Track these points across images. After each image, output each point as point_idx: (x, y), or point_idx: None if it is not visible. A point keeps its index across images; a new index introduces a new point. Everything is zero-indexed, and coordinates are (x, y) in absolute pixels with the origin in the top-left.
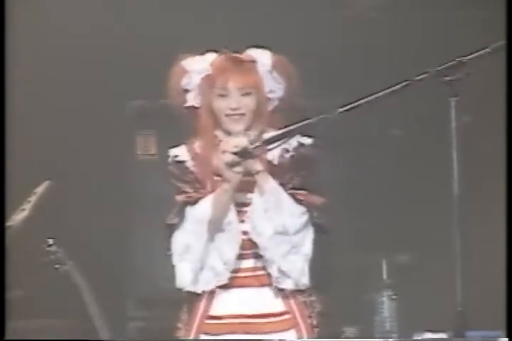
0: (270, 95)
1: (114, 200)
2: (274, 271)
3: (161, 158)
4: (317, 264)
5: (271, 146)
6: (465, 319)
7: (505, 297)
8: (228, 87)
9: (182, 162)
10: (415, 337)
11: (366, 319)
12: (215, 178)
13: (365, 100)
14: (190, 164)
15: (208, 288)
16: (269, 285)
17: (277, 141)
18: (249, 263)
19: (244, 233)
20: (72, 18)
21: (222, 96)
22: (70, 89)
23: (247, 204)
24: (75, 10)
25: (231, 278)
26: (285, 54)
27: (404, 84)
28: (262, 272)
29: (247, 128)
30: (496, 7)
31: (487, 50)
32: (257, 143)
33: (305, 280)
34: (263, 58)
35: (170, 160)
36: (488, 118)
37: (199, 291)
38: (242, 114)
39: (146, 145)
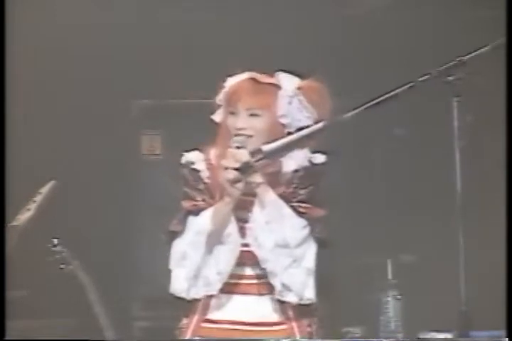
0: (283, 120)
1: (119, 200)
2: (277, 284)
3: (166, 159)
4: (321, 264)
5: (272, 158)
6: (470, 319)
7: (506, 297)
8: (237, 105)
9: (197, 170)
10: (420, 337)
11: (371, 319)
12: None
13: (370, 104)
14: (204, 174)
15: (198, 296)
16: (268, 294)
17: (279, 152)
18: (252, 270)
19: (246, 245)
20: (76, 15)
21: (232, 114)
22: (76, 88)
23: (248, 221)
24: (78, 7)
25: (234, 284)
26: (289, 55)
27: (408, 86)
28: (263, 280)
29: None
30: (498, 6)
31: (487, 48)
32: (259, 157)
33: (309, 295)
34: (288, 83)
35: (183, 163)
36: (491, 118)
37: (189, 298)
38: (249, 136)
39: (151, 145)
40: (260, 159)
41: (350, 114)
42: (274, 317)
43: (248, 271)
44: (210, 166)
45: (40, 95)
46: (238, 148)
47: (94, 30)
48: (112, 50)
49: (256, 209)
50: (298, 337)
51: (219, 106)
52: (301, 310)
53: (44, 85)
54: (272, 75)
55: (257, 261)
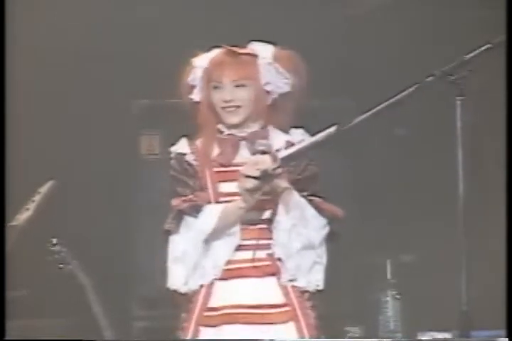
0: (268, 88)
1: (118, 200)
2: (300, 281)
3: (165, 159)
4: None
5: (290, 162)
6: (469, 318)
7: (506, 297)
8: (222, 79)
9: (182, 154)
10: (419, 337)
11: (370, 318)
12: (214, 169)
13: (379, 107)
14: (190, 157)
15: (195, 287)
16: (271, 275)
17: (294, 159)
18: (247, 254)
19: (252, 224)
20: (76, 15)
21: (216, 88)
22: (75, 88)
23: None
24: (78, 7)
25: (229, 270)
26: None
27: (414, 87)
28: (263, 263)
29: (244, 121)
30: (498, 6)
31: (489, 45)
32: (276, 165)
33: (320, 283)
34: (264, 51)
35: (172, 156)
36: (494, 118)
37: (187, 291)
38: (237, 106)
39: (150, 145)
40: (277, 167)
41: (361, 117)
42: (277, 299)
43: (244, 255)
44: (195, 150)
45: (40, 95)
46: (263, 153)
47: (94, 30)
48: (112, 50)
49: (281, 213)
50: (301, 319)
51: (192, 86)
52: (302, 292)
53: (44, 85)
54: (244, 47)
55: (256, 241)
